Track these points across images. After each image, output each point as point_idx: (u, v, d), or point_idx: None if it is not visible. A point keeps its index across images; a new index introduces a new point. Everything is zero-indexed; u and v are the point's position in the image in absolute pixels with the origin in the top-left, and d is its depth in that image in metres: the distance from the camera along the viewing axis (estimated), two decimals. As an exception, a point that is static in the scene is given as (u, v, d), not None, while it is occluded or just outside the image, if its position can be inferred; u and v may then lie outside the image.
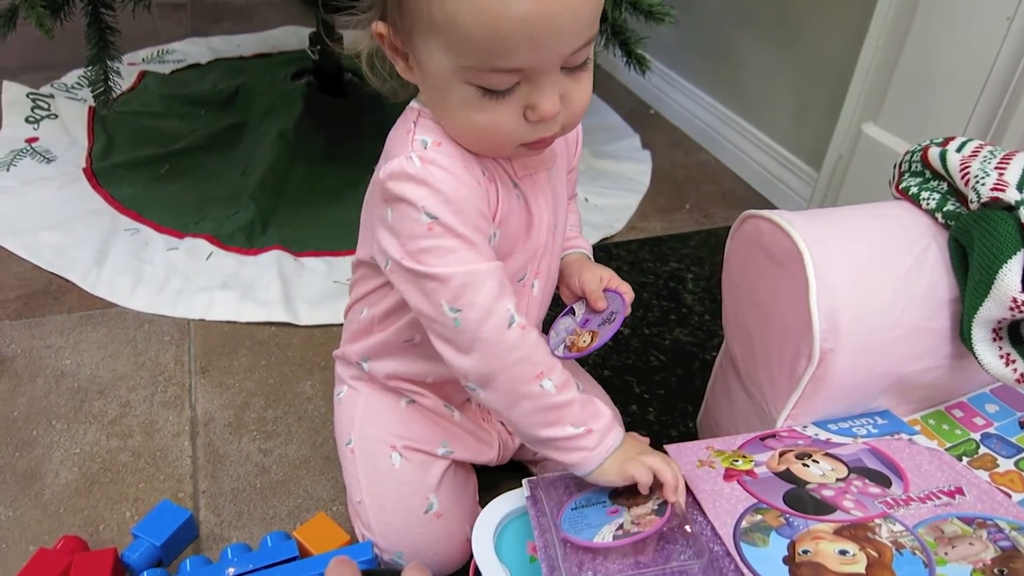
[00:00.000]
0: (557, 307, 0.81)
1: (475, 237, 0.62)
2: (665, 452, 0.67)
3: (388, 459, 0.78)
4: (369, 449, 0.79)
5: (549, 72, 0.57)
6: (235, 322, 1.15)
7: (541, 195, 0.71)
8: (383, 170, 0.64)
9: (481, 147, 0.65)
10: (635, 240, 1.42)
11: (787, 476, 0.64)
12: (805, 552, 0.55)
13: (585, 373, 0.95)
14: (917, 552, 0.55)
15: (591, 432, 0.63)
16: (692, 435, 0.98)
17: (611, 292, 0.78)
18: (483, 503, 0.75)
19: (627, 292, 0.77)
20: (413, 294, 0.64)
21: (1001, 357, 0.67)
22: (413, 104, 0.68)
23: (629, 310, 0.76)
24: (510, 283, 0.70)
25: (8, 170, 1.48)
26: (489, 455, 0.82)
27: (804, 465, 0.65)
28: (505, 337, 0.61)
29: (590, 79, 0.61)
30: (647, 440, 0.68)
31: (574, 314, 0.80)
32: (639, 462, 0.62)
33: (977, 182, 0.68)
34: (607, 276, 0.79)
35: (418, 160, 0.61)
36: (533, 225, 0.71)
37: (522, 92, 0.58)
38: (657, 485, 0.61)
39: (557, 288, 0.82)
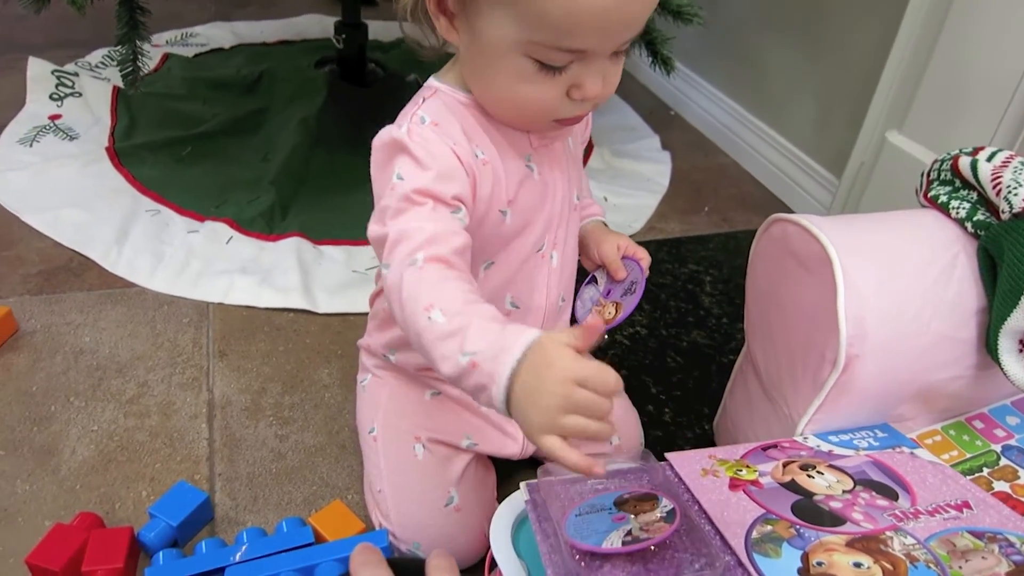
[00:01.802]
0: (580, 275, 0.83)
1: (432, 204, 0.61)
2: (666, 459, 0.67)
3: (411, 450, 0.78)
4: (393, 439, 0.79)
5: (603, 55, 0.59)
6: (254, 307, 1.16)
7: (556, 165, 0.72)
8: (375, 136, 0.65)
9: (515, 118, 0.66)
10: (653, 241, 1.42)
11: (793, 487, 0.63)
12: (819, 564, 0.54)
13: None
14: (931, 565, 0.54)
15: (476, 366, 0.52)
16: (708, 437, 0.98)
17: (629, 260, 0.81)
18: (500, 494, 0.75)
19: (644, 258, 0.80)
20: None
21: (1027, 369, 0.67)
22: (431, 82, 0.69)
23: (648, 273, 0.79)
24: (529, 254, 0.72)
25: (31, 146, 1.48)
26: (513, 448, 0.82)
27: (809, 476, 0.64)
28: (404, 276, 0.58)
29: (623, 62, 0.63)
30: (567, 346, 0.51)
31: (596, 282, 0.84)
32: (549, 437, 0.51)
33: (1009, 192, 0.68)
34: (623, 244, 0.82)
35: (407, 129, 0.63)
36: (547, 195, 0.72)
37: (573, 71, 0.59)
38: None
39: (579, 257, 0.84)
